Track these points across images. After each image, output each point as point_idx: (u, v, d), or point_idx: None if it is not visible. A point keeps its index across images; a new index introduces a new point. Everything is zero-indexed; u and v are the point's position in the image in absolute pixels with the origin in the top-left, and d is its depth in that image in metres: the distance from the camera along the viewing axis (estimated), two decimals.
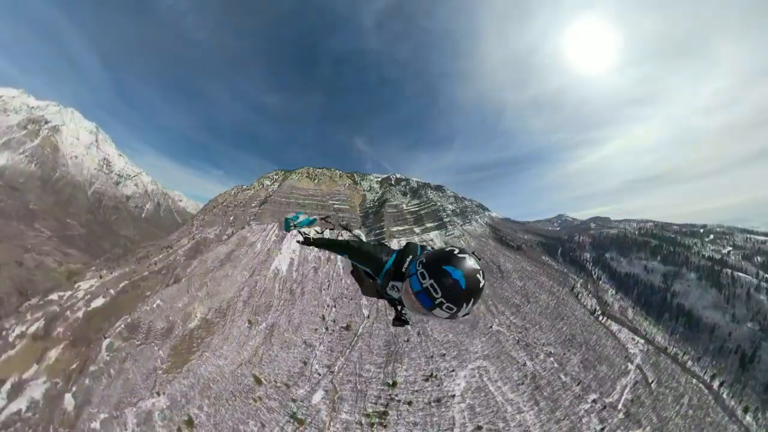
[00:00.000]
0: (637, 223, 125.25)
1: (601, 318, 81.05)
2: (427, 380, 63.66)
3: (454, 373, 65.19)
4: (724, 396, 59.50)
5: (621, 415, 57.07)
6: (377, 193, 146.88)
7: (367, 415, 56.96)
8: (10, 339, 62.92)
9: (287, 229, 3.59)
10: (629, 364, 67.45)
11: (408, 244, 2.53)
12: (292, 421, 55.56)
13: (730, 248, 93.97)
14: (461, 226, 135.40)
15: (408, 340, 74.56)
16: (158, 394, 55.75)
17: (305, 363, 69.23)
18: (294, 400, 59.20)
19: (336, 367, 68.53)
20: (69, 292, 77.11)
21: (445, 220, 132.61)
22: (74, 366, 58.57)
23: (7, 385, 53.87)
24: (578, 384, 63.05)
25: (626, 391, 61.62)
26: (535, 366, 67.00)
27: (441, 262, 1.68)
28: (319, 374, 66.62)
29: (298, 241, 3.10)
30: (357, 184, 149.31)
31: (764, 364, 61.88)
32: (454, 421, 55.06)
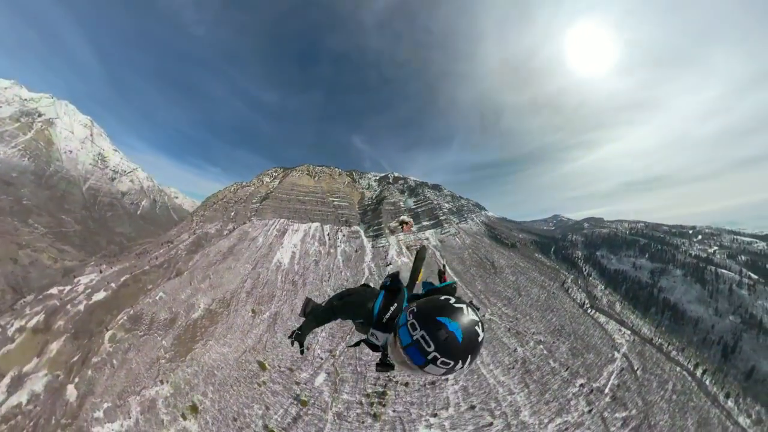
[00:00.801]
0: (629, 223, 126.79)
1: (589, 311, 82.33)
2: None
3: None
4: (707, 383, 60.45)
5: (608, 399, 58.22)
6: (375, 191, 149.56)
7: (367, 395, 58.63)
8: (9, 333, 61.51)
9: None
10: (616, 352, 68.60)
11: (394, 287, 2.10)
12: (296, 402, 57.21)
13: (717, 248, 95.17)
14: (457, 224, 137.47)
15: None
16: (162, 382, 56.31)
17: (308, 348, 71.38)
18: (297, 383, 60.85)
19: (337, 352, 70.30)
20: (69, 287, 76.32)
21: (441, 218, 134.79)
22: (76, 358, 57.81)
23: (7, 379, 53.07)
24: (566, 369, 64.32)
25: (613, 376, 62.77)
26: (525, 352, 68.40)
27: (435, 312, 1.36)
28: (321, 358, 68.40)
29: (292, 343, 2.57)
30: (356, 182, 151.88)
31: (745, 354, 62.83)
32: (449, 401, 56.58)
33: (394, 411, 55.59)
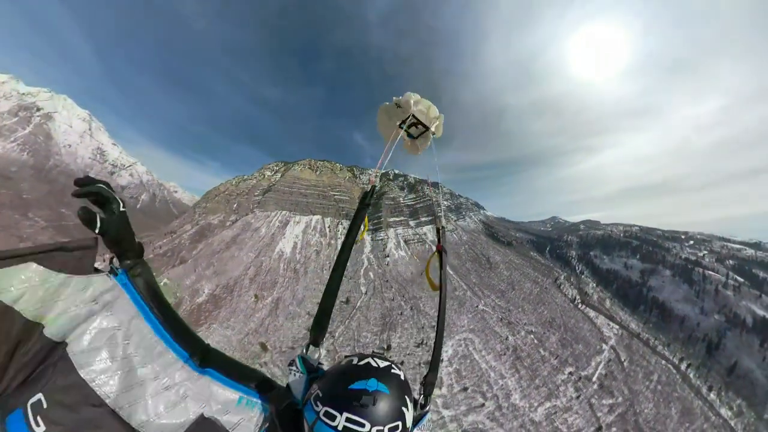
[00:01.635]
0: (623, 226, 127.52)
1: (580, 306, 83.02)
2: (418, 346, 66.13)
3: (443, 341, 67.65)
4: (691, 376, 61.11)
5: (595, 386, 58.97)
6: (376, 186, 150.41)
7: None
8: None
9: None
10: (604, 344, 69.30)
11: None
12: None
13: (707, 252, 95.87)
14: (455, 221, 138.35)
15: (402, 314, 77.22)
16: None
17: (308, 328, 72.23)
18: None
19: (337, 333, 71.50)
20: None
21: (439, 215, 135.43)
22: None
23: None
24: (556, 358, 65.06)
25: (600, 366, 63.48)
26: (516, 341, 69.15)
27: (343, 383, 0.90)
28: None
29: None
30: (356, 178, 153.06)
31: (728, 351, 63.50)
32: (442, 381, 57.39)
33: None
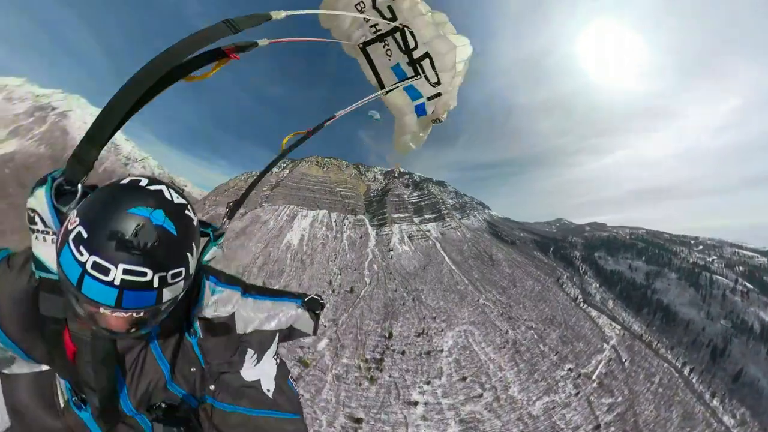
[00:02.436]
0: (630, 229, 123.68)
1: (582, 305, 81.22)
2: (419, 336, 65.88)
3: (443, 332, 67.23)
4: (694, 381, 59.25)
5: (595, 385, 57.77)
6: (381, 183, 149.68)
7: (365, 361, 59.91)
8: None
9: None
10: (605, 344, 67.71)
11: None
12: (298, 364, 58.79)
13: (716, 257, 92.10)
14: (459, 219, 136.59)
15: (404, 304, 76.99)
16: None
17: None
18: (301, 347, 62.12)
19: (340, 321, 71.78)
20: None
21: (443, 212, 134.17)
22: None
23: None
24: (556, 354, 63.94)
25: (601, 365, 62.11)
26: (516, 335, 68.18)
27: (114, 204, 0.64)
28: (325, 326, 70.05)
29: None
30: (362, 175, 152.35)
31: (734, 358, 61.19)
32: (442, 371, 57.16)
33: (390, 376, 56.46)
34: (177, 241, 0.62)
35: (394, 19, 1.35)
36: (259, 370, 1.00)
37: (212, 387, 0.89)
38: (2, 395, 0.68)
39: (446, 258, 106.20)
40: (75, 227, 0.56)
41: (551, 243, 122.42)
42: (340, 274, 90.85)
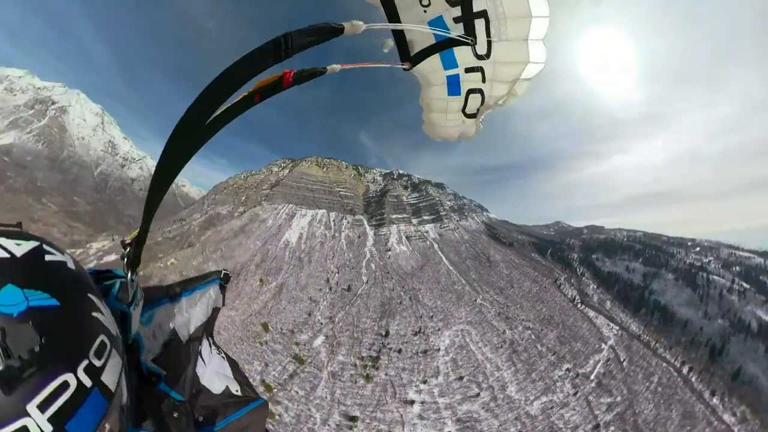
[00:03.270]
0: (627, 231, 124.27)
1: (579, 306, 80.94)
2: (415, 335, 65.52)
3: (440, 331, 66.89)
4: (693, 380, 58.61)
5: (593, 384, 57.09)
6: (380, 185, 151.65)
7: (361, 359, 59.42)
8: None
9: None
10: (603, 344, 67.22)
11: None
12: (293, 360, 58.34)
13: (713, 258, 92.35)
14: (457, 221, 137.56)
15: (401, 303, 76.80)
16: None
17: (309, 314, 72.48)
18: (297, 344, 62.07)
19: (336, 319, 71.36)
20: (81, 250, 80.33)
21: (441, 214, 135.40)
22: None
23: None
24: (553, 354, 63.42)
25: (599, 365, 61.51)
26: (513, 335, 67.77)
27: None
28: (321, 323, 69.68)
29: None
30: (361, 176, 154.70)
31: (732, 357, 60.73)
32: (439, 370, 56.67)
33: (386, 375, 55.90)
34: (65, 311, 0.42)
35: None
36: (214, 374, 0.99)
37: (200, 418, 0.89)
38: None
39: (444, 258, 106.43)
40: None
41: (549, 245, 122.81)
42: (338, 273, 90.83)
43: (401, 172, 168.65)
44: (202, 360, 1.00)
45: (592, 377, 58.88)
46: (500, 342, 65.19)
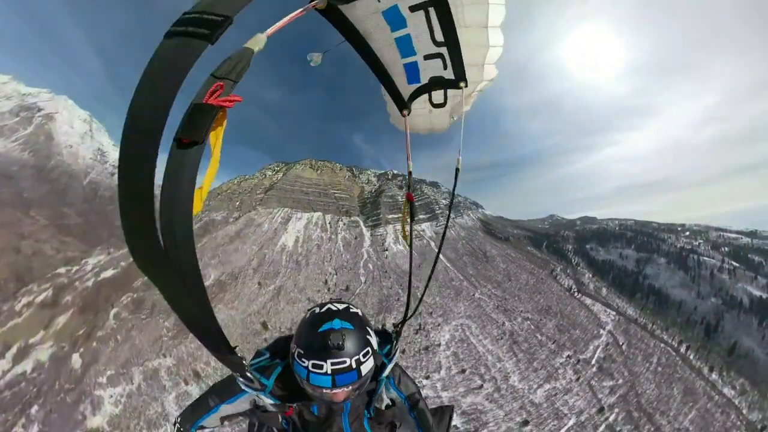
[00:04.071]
0: (619, 221, 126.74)
1: (576, 294, 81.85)
2: (416, 333, 65.67)
3: (440, 327, 67.14)
4: (691, 358, 59.28)
5: (594, 369, 57.37)
6: (375, 185, 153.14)
7: None
8: (17, 308, 59.92)
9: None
10: (601, 330, 67.83)
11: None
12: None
13: (702, 241, 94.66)
14: (453, 219, 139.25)
15: (398, 300, 77.05)
16: (165, 355, 57.16)
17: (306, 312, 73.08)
18: None
19: None
20: (77, 267, 76.79)
21: (437, 212, 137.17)
22: (81, 332, 57.47)
23: (13, 350, 52.10)
24: (553, 342, 63.79)
25: (599, 350, 61.93)
26: (513, 326, 68.17)
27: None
28: None
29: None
30: (356, 177, 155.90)
31: (727, 333, 61.74)
32: (441, 364, 56.70)
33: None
34: (356, 332, 1.10)
35: None
36: None
37: None
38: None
39: (441, 256, 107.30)
40: (296, 350, 1.10)
41: (544, 238, 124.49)
42: (336, 274, 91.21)
43: (395, 172, 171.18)
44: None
45: (593, 362, 59.21)
46: (500, 334, 65.48)
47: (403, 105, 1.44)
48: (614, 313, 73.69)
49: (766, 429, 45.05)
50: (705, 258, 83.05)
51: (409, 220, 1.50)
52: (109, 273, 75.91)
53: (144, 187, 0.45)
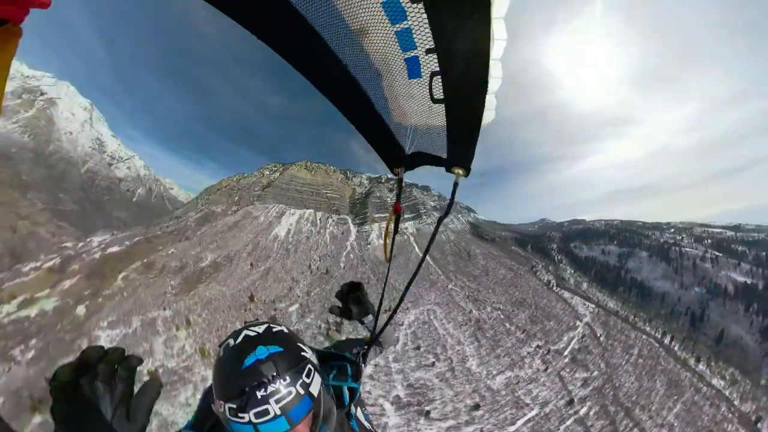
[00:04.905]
0: (605, 221, 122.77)
1: (555, 288, 77.02)
2: (383, 314, 64.00)
3: (407, 311, 65.05)
4: (676, 349, 52.81)
5: (567, 360, 51.90)
6: (366, 188, 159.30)
7: (327, 323, 59.23)
8: (24, 270, 61.73)
9: None
10: (578, 321, 62.39)
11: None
12: (269, 321, 58.93)
13: (685, 236, 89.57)
14: (443, 223, 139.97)
15: (368, 283, 75.84)
16: (165, 308, 60.15)
17: (290, 290, 74.63)
18: (275, 310, 64.32)
19: (312, 293, 72.67)
20: (82, 243, 79.06)
21: (421, 212, 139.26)
22: (88, 292, 59.12)
23: (19, 299, 53.47)
24: (523, 332, 59.10)
25: (573, 341, 56.43)
26: (480, 314, 64.33)
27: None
28: (299, 296, 71.50)
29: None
30: (349, 180, 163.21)
31: (714, 321, 55.23)
32: (398, 339, 54.46)
33: (345, 337, 54.17)
34: (288, 353, 0.73)
35: None
36: None
37: None
38: None
39: (416, 248, 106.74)
40: (224, 407, 0.69)
41: (530, 239, 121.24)
42: (320, 261, 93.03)
43: (389, 176, 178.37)
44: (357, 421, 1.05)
45: (565, 353, 53.78)
46: (465, 320, 61.78)
47: (397, 162, 1.15)
48: (593, 305, 68.17)
49: (762, 420, 38.04)
50: (687, 249, 78.08)
51: (392, 233, 1.19)
52: (115, 249, 78.86)
53: None
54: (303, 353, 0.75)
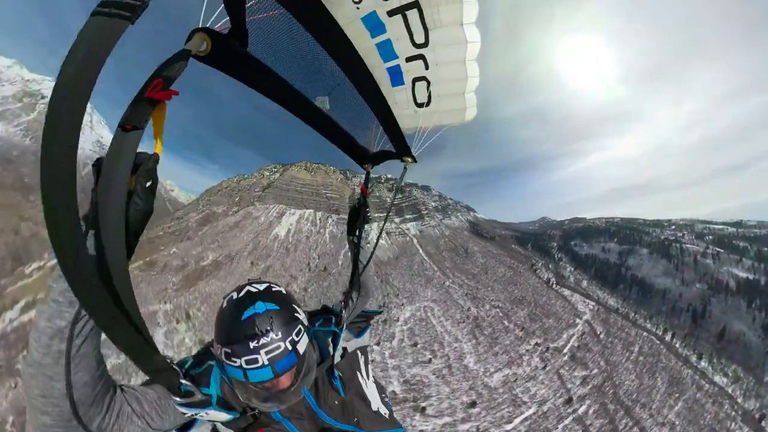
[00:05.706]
0: (606, 219, 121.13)
1: (554, 286, 75.79)
2: (380, 308, 63.89)
3: (403, 306, 64.52)
4: (677, 346, 51.50)
5: (566, 358, 50.93)
6: None
7: None
8: (27, 271, 63.50)
9: None
10: (578, 319, 61.27)
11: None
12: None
13: (686, 232, 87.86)
14: (441, 219, 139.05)
15: None
16: (166, 303, 61.04)
17: (288, 286, 74.39)
18: None
19: (309, 290, 73.32)
20: None
21: (423, 212, 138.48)
22: None
23: (21, 303, 54.17)
24: (522, 330, 58.15)
25: (573, 339, 55.39)
26: (479, 312, 63.46)
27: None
28: (296, 292, 71.63)
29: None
30: (349, 180, 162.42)
31: (715, 318, 53.85)
32: (394, 335, 53.89)
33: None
34: (283, 311, 0.83)
35: None
36: (372, 393, 1.13)
37: (356, 419, 1.03)
38: None
39: (420, 250, 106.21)
40: (221, 351, 0.80)
41: (531, 238, 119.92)
42: (318, 259, 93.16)
43: (389, 176, 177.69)
44: (363, 377, 1.12)
45: (564, 351, 52.78)
46: (463, 317, 60.95)
47: (367, 160, 1.35)
48: (593, 303, 66.90)
49: (766, 418, 36.73)
50: (688, 245, 76.56)
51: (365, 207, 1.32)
52: None
53: (66, 161, 0.46)
54: (296, 314, 0.86)
